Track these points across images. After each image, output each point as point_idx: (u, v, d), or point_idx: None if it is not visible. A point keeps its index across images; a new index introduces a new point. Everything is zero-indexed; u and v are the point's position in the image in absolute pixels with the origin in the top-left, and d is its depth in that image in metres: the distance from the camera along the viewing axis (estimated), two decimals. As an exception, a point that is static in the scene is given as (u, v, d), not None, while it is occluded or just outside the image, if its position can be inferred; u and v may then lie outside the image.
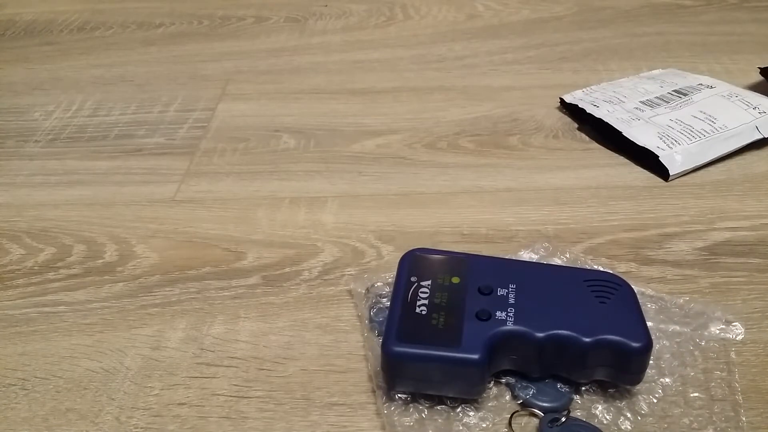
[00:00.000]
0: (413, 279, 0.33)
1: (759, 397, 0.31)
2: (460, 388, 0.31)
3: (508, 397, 0.32)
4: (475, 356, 0.30)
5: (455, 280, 0.33)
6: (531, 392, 0.31)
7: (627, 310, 0.32)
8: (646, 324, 0.31)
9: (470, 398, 0.31)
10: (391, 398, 0.32)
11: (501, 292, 0.32)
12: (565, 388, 0.32)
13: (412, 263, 0.34)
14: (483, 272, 0.34)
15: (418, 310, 0.32)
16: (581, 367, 0.31)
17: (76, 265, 0.43)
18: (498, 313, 0.31)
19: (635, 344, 0.30)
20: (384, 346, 0.30)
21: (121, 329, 0.38)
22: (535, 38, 0.69)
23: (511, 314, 0.31)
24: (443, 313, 0.31)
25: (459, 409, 0.31)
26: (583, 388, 0.32)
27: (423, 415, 0.31)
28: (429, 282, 0.33)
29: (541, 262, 0.39)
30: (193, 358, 0.36)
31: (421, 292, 0.33)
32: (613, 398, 0.31)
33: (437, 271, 0.34)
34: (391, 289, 0.34)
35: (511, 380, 0.32)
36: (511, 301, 0.32)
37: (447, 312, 0.31)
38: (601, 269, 0.38)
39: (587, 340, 0.30)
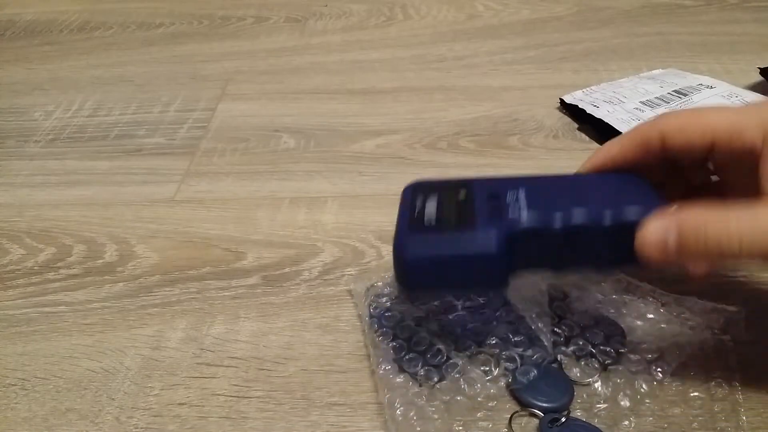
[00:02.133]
0: (419, 199, 0.32)
1: (759, 397, 0.31)
2: (480, 279, 0.30)
3: (508, 397, 0.32)
4: (492, 240, 0.29)
5: (462, 194, 0.32)
6: (532, 375, 0.31)
7: (641, 188, 0.31)
8: (661, 193, 0.30)
9: (493, 291, 0.30)
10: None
11: (511, 195, 0.31)
12: (564, 389, 0.32)
13: (416, 189, 0.33)
14: (491, 184, 0.32)
15: (427, 217, 0.30)
16: (602, 249, 0.30)
17: (76, 265, 0.43)
18: (511, 210, 0.30)
19: (651, 206, 0.29)
20: (397, 245, 0.29)
21: (121, 329, 0.38)
22: (535, 38, 0.69)
23: (524, 207, 0.30)
24: (454, 215, 0.30)
25: (457, 410, 0.31)
26: (584, 384, 0.32)
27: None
28: (436, 196, 0.32)
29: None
30: (193, 358, 0.36)
31: (428, 204, 0.31)
32: (613, 399, 0.31)
33: (443, 189, 0.33)
34: (392, 281, 0.33)
35: (510, 366, 0.32)
36: (523, 199, 0.31)
37: (458, 213, 0.30)
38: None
39: (605, 222, 0.29)
